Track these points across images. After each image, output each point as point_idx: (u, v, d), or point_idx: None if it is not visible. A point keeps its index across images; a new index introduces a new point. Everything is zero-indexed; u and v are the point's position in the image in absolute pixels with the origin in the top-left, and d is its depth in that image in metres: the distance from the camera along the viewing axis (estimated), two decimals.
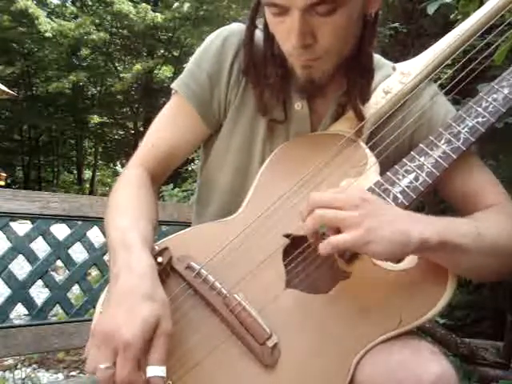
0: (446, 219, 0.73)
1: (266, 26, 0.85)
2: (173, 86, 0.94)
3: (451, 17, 1.86)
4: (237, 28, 0.92)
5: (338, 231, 0.68)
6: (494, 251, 0.73)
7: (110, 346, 0.61)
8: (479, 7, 0.94)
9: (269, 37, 0.85)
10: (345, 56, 0.83)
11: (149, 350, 0.62)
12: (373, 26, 0.84)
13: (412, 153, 0.81)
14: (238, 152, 0.93)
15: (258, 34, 0.89)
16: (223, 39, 0.91)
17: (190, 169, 6.16)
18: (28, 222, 1.27)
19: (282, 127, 0.91)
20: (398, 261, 0.75)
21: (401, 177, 0.79)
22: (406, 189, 0.77)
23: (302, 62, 0.81)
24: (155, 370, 0.61)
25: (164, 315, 0.64)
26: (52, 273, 1.32)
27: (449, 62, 0.92)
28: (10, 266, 1.22)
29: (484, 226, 0.74)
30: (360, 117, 0.88)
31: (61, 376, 2.63)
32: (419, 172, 0.79)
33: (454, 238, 0.70)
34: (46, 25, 17.82)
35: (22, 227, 1.32)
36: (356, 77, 0.87)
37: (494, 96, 0.83)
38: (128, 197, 0.83)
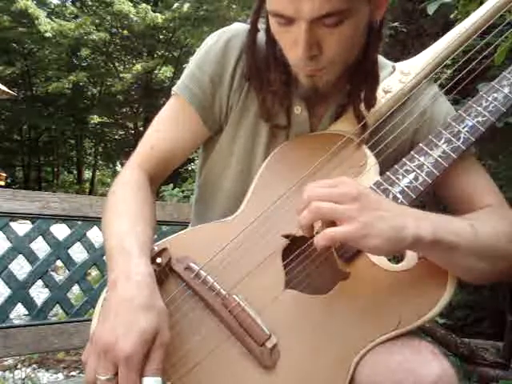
0: (444, 217, 0.72)
1: (268, 29, 0.83)
2: (174, 88, 0.93)
3: (451, 17, 1.86)
4: (239, 29, 0.91)
5: (333, 225, 0.67)
6: (488, 252, 0.73)
7: (110, 357, 0.61)
8: (479, 7, 0.94)
9: (271, 40, 0.84)
10: (350, 64, 0.83)
11: (146, 361, 0.62)
12: (378, 32, 0.83)
13: (412, 152, 0.81)
14: (241, 157, 0.92)
15: (260, 35, 0.87)
16: (226, 41, 0.90)
17: (189, 169, 6.16)
18: (28, 222, 1.27)
19: (283, 131, 0.91)
20: (398, 261, 0.75)
21: (400, 177, 0.78)
22: (405, 189, 0.77)
23: (306, 71, 0.81)
24: (151, 381, 0.62)
25: (162, 326, 0.64)
26: (52, 273, 1.33)
27: (449, 61, 0.92)
28: (10, 266, 1.22)
29: (480, 226, 0.74)
30: (360, 117, 0.87)
31: (61, 376, 2.63)
32: (419, 172, 0.78)
33: (448, 237, 0.69)
34: (46, 25, 17.83)
35: (22, 227, 1.32)
36: (360, 81, 0.86)
37: (495, 95, 0.83)
38: (126, 199, 0.82)
